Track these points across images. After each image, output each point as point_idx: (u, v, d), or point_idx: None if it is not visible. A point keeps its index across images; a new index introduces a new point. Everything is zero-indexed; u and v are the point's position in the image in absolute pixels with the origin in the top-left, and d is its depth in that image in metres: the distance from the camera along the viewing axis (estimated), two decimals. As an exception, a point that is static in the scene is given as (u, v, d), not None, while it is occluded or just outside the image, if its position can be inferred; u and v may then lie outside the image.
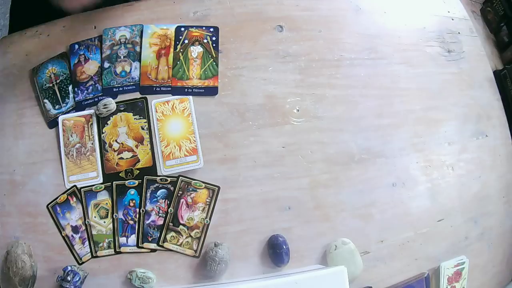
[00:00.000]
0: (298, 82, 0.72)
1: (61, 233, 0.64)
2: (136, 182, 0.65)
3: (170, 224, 0.65)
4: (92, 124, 0.67)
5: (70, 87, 0.70)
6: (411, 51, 0.78)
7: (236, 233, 0.65)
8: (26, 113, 0.69)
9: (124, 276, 0.62)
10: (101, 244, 0.64)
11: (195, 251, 0.64)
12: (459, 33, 0.83)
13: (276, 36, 0.74)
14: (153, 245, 0.64)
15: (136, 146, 0.67)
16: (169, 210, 0.65)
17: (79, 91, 0.69)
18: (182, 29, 0.72)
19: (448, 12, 0.84)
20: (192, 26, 0.73)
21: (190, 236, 0.64)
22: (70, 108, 0.69)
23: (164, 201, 0.65)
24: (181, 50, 0.71)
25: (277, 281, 0.58)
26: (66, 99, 0.69)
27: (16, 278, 0.60)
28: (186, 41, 0.72)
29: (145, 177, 0.66)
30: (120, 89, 0.69)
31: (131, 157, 0.66)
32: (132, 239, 0.64)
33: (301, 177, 0.68)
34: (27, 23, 0.73)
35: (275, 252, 0.63)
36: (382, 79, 0.75)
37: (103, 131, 0.67)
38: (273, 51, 0.73)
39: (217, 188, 0.66)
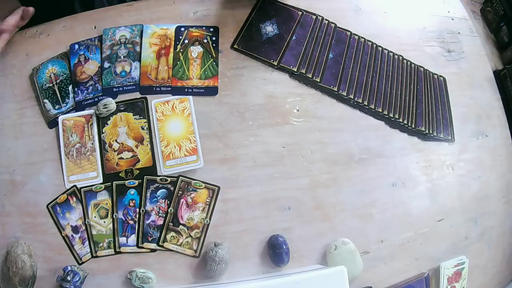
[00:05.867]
0: (298, 82, 0.72)
1: (61, 233, 0.64)
2: (136, 182, 0.65)
3: (170, 224, 0.65)
4: (92, 124, 0.67)
5: (70, 87, 0.70)
6: (411, 51, 0.78)
7: (236, 233, 0.65)
8: (26, 113, 0.69)
9: (124, 276, 0.62)
10: (101, 244, 0.64)
11: (195, 251, 0.64)
12: (459, 33, 0.83)
13: (276, 36, 0.74)
14: (153, 245, 0.64)
15: (136, 146, 0.67)
16: (169, 210, 0.65)
17: (79, 91, 0.69)
18: (182, 29, 0.72)
19: (448, 12, 0.84)
20: (192, 26, 0.73)
21: (190, 236, 0.64)
22: (70, 108, 0.69)
23: (164, 201, 0.65)
24: (181, 50, 0.71)
25: (277, 281, 0.58)
26: (66, 99, 0.69)
27: (16, 278, 0.60)
28: (186, 41, 0.72)
29: (145, 177, 0.66)
30: (120, 89, 0.69)
31: (131, 157, 0.66)
32: (132, 239, 0.64)
33: (301, 177, 0.68)
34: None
35: (275, 252, 0.63)
36: (382, 79, 0.75)
37: (103, 131, 0.67)
38: (273, 51, 0.73)
39: (217, 188, 0.66)
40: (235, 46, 0.72)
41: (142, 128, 0.68)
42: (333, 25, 0.75)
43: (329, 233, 0.67)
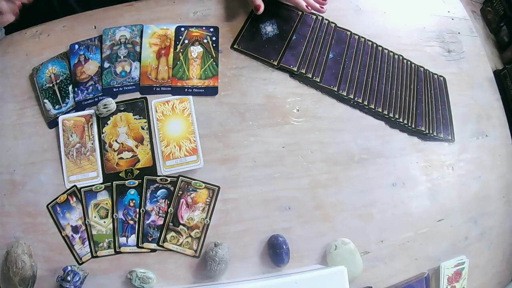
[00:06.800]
0: (298, 82, 0.72)
1: (61, 233, 0.64)
2: (136, 182, 0.65)
3: (170, 224, 0.65)
4: (92, 124, 0.67)
5: (70, 87, 0.70)
6: (411, 51, 0.78)
7: (236, 233, 0.65)
8: (26, 113, 0.69)
9: (124, 276, 0.62)
10: (101, 244, 0.64)
11: (195, 251, 0.64)
12: (459, 33, 0.83)
13: (276, 36, 0.74)
14: (153, 245, 0.64)
15: (136, 146, 0.67)
16: (169, 210, 0.65)
17: (79, 91, 0.69)
18: (182, 29, 0.72)
19: (448, 12, 0.84)
20: (192, 26, 0.73)
21: (190, 236, 0.65)
22: (70, 108, 0.69)
23: (164, 201, 0.65)
24: (181, 50, 0.71)
25: (277, 281, 0.58)
26: (66, 99, 0.69)
27: (16, 278, 0.60)
28: (186, 41, 0.72)
29: (145, 177, 0.66)
30: (120, 89, 0.69)
31: (131, 157, 0.66)
32: (132, 239, 0.64)
33: (301, 177, 0.68)
34: (28, 23, 0.73)
35: (275, 252, 0.63)
36: (382, 79, 0.75)
37: (103, 131, 0.67)
38: (273, 51, 0.73)
39: (217, 188, 0.66)
40: (235, 46, 0.72)
41: (142, 128, 0.68)
42: (333, 25, 0.75)
43: (329, 233, 0.67)
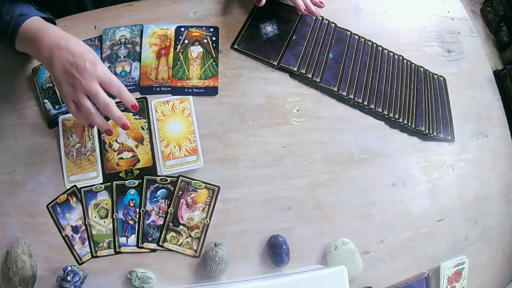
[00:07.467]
0: (298, 82, 0.72)
1: (61, 233, 0.64)
2: (136, 182, 0.65)
3: (170, 224, 0.65)
4: (92, 124, 0.67)
5: (70, 87, 0.70)
6: (411, 51, 0.78)
7: (236, 233, 0.65)
8: (26, 113, 0.69)
9: (124, 276, 0.62)
10: (101, 244, 0.64)
11: (195, 251, 0.64)
12: (459, 33, 0.83)
13: (276, 36, 0.74)
14: (153, 245, 0.64)
15: (136, 146, 0.67)
16: (169, 210, 0.65)
17: (79, 91, 0.69)
18: (182, 29, 0.72)
19: (448, 12, 0.84)
20: (192, 26, 0.73)
21: (190, 236, 0.65)
22: (70, 108, 0.69)
23: (164, 201, 0.65)
24: (181, 50, 0.71)
25: (277, 281, 0.58)
26: (66, 99, 0.69)
27: (16, 278, 0.60)
28: (186, 41, 0.72)
29: (145, 177, 0.66)
30: (120, 89, 0.69)
31: (131, 157, 0.66)
32: (132, 239, 0.64)
33: (301, 177, 0.68)
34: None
35: (275, 252, 0.63)
36: (382, 79, 0.75)
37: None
38: (273, 51, 0.73)
39: (217, 188, 0.66)
40: (235, 46, 0.72)
41: (142, 128, 0.68)
42: (333, 25, 0.75)
43: (329, 233, 0.67)
